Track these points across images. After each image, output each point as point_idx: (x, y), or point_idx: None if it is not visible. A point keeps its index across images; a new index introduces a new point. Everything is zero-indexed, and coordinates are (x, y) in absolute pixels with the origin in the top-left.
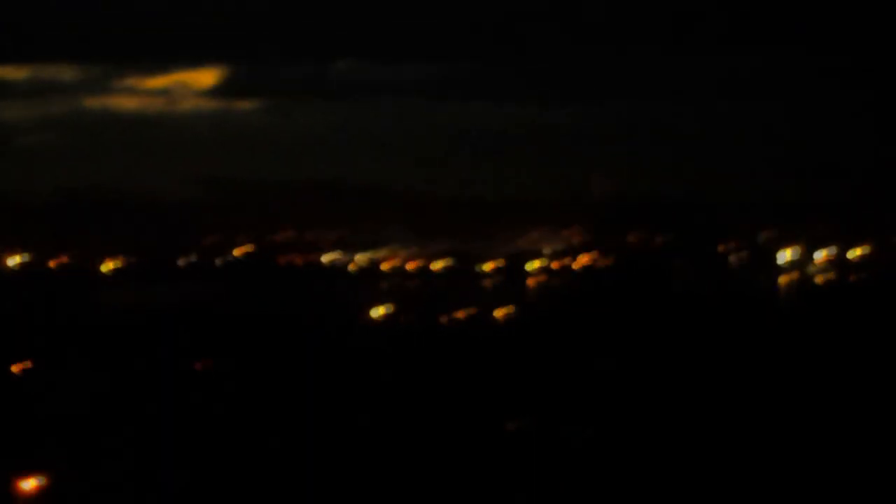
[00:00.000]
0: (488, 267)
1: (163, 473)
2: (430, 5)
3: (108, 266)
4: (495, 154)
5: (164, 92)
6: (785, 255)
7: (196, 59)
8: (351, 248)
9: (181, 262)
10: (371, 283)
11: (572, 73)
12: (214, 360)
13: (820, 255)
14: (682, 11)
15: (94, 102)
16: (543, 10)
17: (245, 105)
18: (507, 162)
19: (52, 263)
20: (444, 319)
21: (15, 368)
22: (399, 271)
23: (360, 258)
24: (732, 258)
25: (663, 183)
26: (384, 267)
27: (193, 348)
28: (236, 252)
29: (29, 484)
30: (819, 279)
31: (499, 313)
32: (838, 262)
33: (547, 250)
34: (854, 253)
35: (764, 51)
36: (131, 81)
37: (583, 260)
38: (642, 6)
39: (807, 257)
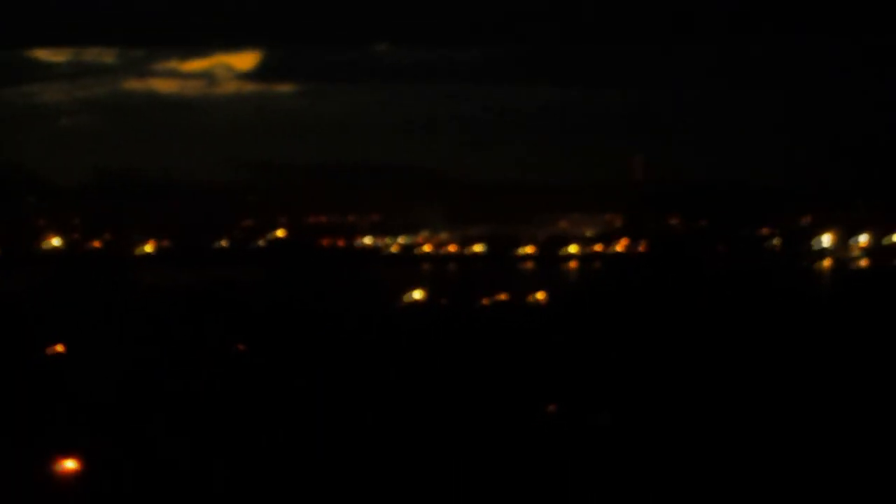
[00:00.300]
0: (525, 251)
1: (197, 457)
2: None
3: (146, 248)
4: (533, 138)
5: (203, 74)
6: (823, 241)
7: (235, 42)
8: (388, 231)
9: (219, 244)
10: (408, 267)
11: (613, 57)
12: (251, 343)
13: (857, 241)
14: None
15: (134, 85)
16: None
17: (283, 88)
18: (545, 146)
19: (94, 244)
20: (481, 303)
21: (51, 351)
22: (436, 255)
23: (398, 241)
24: (771, 243)
25: (701, 167)
26: (421, 250)
27: (231, 332)
28: (274, 235)
29: (66, 466)
30: (857, 265)
31: (536, 297)
32: (876, 249)
33: (585, 234)
34: (892, 239)
35: (805, 37)
36: (171, 64)
37: (621, 244)
38: None
39: (844, 243)
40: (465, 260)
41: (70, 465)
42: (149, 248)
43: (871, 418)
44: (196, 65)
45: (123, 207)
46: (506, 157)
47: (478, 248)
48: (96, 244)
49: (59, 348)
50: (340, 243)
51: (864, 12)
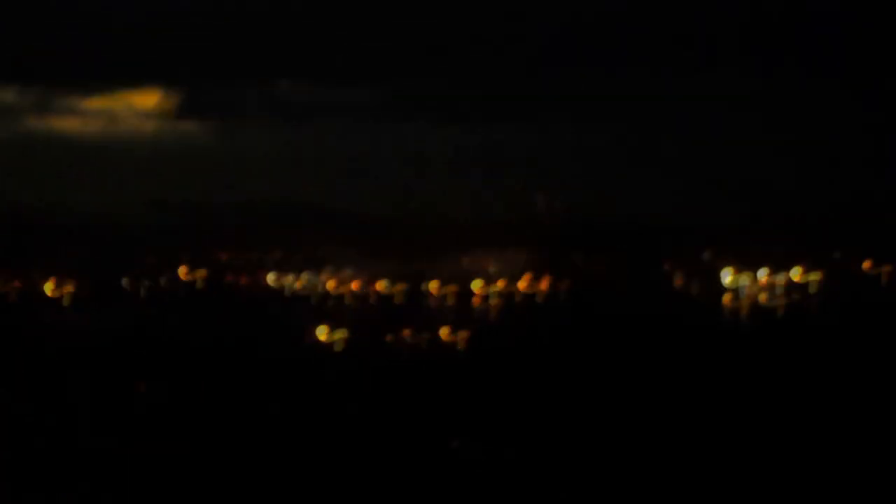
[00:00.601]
0: (433, 287)
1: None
2: (374, 28)
3: (51, 288)
4: (440, 175)
5: (105, 113)
6: (728, 276)
7: (137, 81)
8: (296, 268)
9: (125, 283)
10: (316, 304)
11: (516, 94)
12: (155, 381)
13: (762, 276)
14: (627, 33)
15: (34, 123)
16: (486, 32)
17: (186, 126)
18: (451, 183)
19: None
20: (389, 339)
21: None
22: (344, 292)
23: (305, 279)
24: (676, 278)
25: (608, 203)
26: (329, 287)
27: (136, 369)
28: (181, 273)
29: None
30: (763, 299)
31: (444, 333)
32: (780, 283)
33: (489, 270)
34: (796, 273)
35: (710, 73)
36: (73, 102)
37: (527, 280)
38: (589, 28)
39: (750, 278)
40: (373, 296)
41: None
42: (51, 289)
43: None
44: (97, 103)
45: (28, 247)
46: (412, 195)
47: (382, 284)
48: (6, 285)
49: None
50: (249, 280)
51: (767, 48)
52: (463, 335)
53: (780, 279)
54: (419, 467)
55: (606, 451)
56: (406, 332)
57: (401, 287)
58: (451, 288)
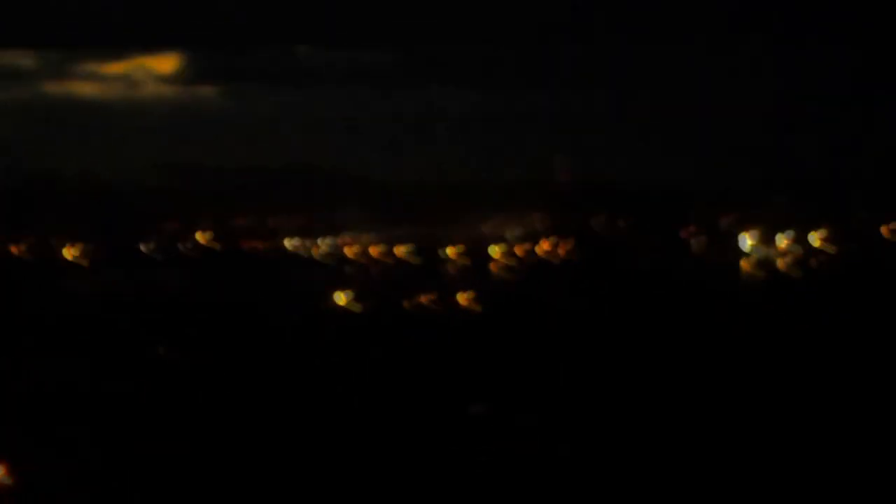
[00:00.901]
0: (451, 252)
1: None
2: None
3: (69, 252)
4: (455, 139)
5: (123, 78)
6: (747, 240)
7: (155, 45)
8: (313, 233)
9: (143, 248)
10: (334, 269)
11: (532, 58)
12: (177, 347)
13: (782, 240)
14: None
15: (52, 88)
16: None
17: (204, 91)
18: (467, 147)
19: (13, 249)
20: (407, 304)
21: None
22: (362, 257)
23: (323, 244)
24: (694, 242)
25: (624, 167)
26: (347, 252)
27: (156, 335)
28: (198, 238)
29: None
30: (781, 263)
31: (462, 298)
32: (800, 246)
33: (509, 235)
34: (816, 237)
35: (725, 38)
36: (90, 67)
37: (545, 244)
38: None
39: (769, 241)
40: (388, 262)
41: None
42: (71, 253)
43: (789, 422)
44: (116, 68)
45: (46, 211)
46: (428, 159)
47: (402, 250)
48: (20, 248)
49: None
50: (266, 245)
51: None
52: (481, 300)
53: (800, 244)
54: (438, 432)
55: (623, 417)
56: (425, 298)
57: (419, 252)
58: (470, 253)
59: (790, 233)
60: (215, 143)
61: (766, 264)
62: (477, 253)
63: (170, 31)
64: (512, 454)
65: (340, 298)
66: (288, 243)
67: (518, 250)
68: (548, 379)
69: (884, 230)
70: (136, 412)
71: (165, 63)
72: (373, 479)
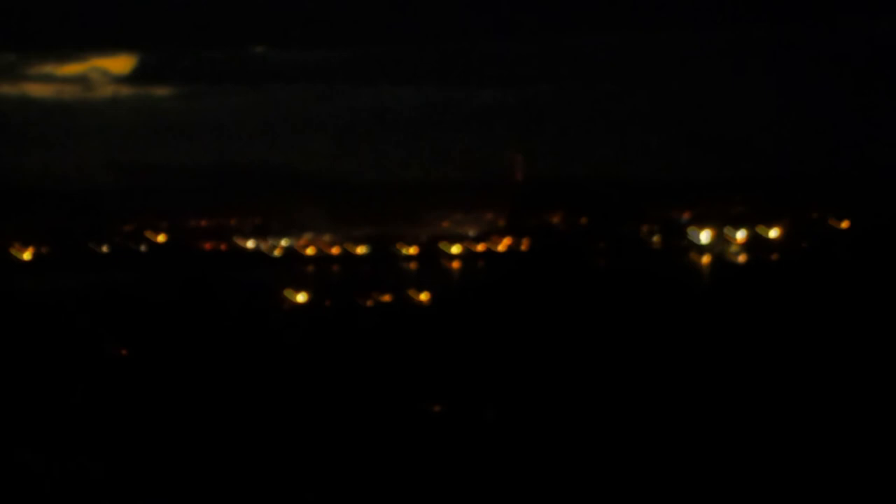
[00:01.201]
0: (409, 251)
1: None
2: None
3: (25, 255)
4: (411, 138)
5: (79, 79)
6: (702, 236)
7: (110, 46)
8: (270, 233)
9: (98, 248)
10: (292, 269)
11: (487, 54)
12: (132, 348)
13: (740, 235)
14: None
15: (7, 90)
16: None
17: (160, 91)
18: (424, 146)
19: None
20: (364, 303)
21: None
22: (320, 256)
23: (280, 243)
24: (652, 239)
25: (580, 164)
26: (305, 252)
27: (112, 336)
28: (154, 238)
29: None
30: (741, 258)
31: (422, 297)
32: (757, 241)
33: (468, 233)
34: (773, 231)
35: (677, 29)
36: (45, 69)
37: (503, 243)
38: None
39: (723, 237)
40: (348, 261)
41: None
42: (27, 254)
43: (746, 414)
44: (71, 69)
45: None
46: (386, 158)
47: (361, 249)
48: None
49: None
50: (223, 247)
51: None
52: (437, 297)
53: (757, 237)
54: (400, 432)
55: (588, 411)
56: (383, 296)
57: (374, 250)
58: (426, 250)
59: (747, 228)
60: (170, 143)
61: (722, 259)
62: (434, 252)
63: (124, 31)
64: (472, 451)
65: (298, 297)
66: (246, 242)
67: (476, 248)
68: (508, 376)
69: (844, 224)
70: (92, 412)
71: (120, 64)
72: (340, 477)
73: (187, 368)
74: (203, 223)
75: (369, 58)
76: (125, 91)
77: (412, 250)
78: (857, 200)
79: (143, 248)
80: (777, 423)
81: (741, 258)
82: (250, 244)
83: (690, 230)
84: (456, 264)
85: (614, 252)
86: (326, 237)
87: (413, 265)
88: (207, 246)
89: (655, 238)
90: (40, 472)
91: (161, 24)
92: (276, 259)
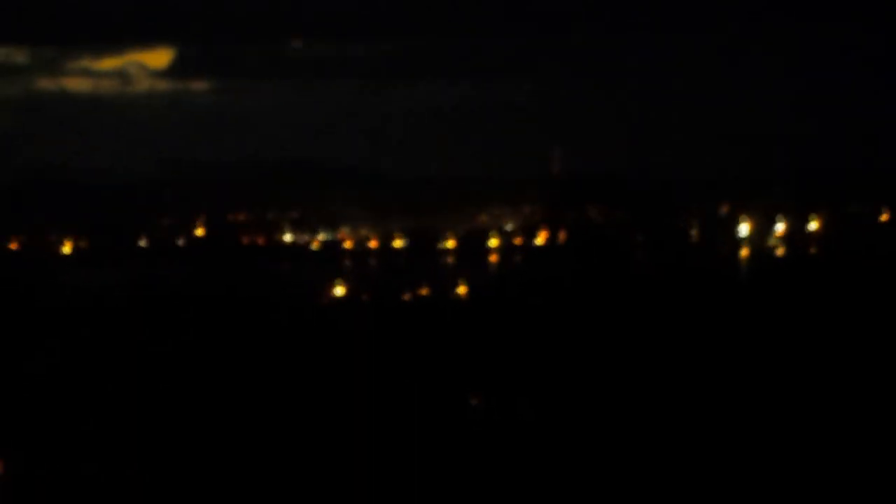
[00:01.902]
0: (448, 245)
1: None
2: None
3: (65, 249)
4: (450, 132)
5: (116, 73)
6: (741, 230)
7: (148, 40)
8: (309, 227)
9: (139, 243)
10: (332, 263)
11: (526, 49)
12: (177, 341)
13: (779, 228)
14: None
15: (46, 84)
16: None
17: (198, 85)
18: (463, 140)
19: (11, 246)
20: (406, 297)
21: None
22: (358, 250)
23: (320, 238)
24: (690, 232)
25: (617, 159)
26: (344, 246)
27: (157, 331)
28: (194, 232)
29: None
30: (780, 252)
31: (460, 290)
32: (796, 235)
33: (505, 227)
34: (812, 224)
35: (716, 28)
36: (83, 63)
37: (542, 236)
38: None
39: (763, 231)
40: (386, 255)
41: None
42: (67, 248)
43: (791, 409)
44: (109, 63)
45: (42, 207)
46: (424, 153)
47: (399, 242)
48: (13, 246)
49: None
50: (261, 241)
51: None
52: (475, 291)
53: (796, 230)
54: (439, 425)
55: (621, 404)
56: (421, 290)
57: (412, 244)
58: (464, 244)
59: (786, 221)
60: (209, 138)
61: (761, 252)
62: (474, 245)
63: (163, 26)
64: (507, 445)
65: (338, 290)
66: (287, 237)
67: (514, 242)
68: (546, 370)
69: (883, 217)
70: (133, 406)
71: (159, 58)
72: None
73: (226, 361)
74: (241, 217)
75: (407, 53)
76: (162, 85)
77: (450, 244)
78: None
79: (181, 242)
80: (817, 414)
81: (780, 251)
82: (288, 238)
83: (730, 224)
84: (494, 258)
85: (652, 245)
86: (364, 231)
87: (451, 259)
88: (246, 240)
89: (693, 231)
90: (92, 469)
91: (198, 18)
92: (314, 253)
